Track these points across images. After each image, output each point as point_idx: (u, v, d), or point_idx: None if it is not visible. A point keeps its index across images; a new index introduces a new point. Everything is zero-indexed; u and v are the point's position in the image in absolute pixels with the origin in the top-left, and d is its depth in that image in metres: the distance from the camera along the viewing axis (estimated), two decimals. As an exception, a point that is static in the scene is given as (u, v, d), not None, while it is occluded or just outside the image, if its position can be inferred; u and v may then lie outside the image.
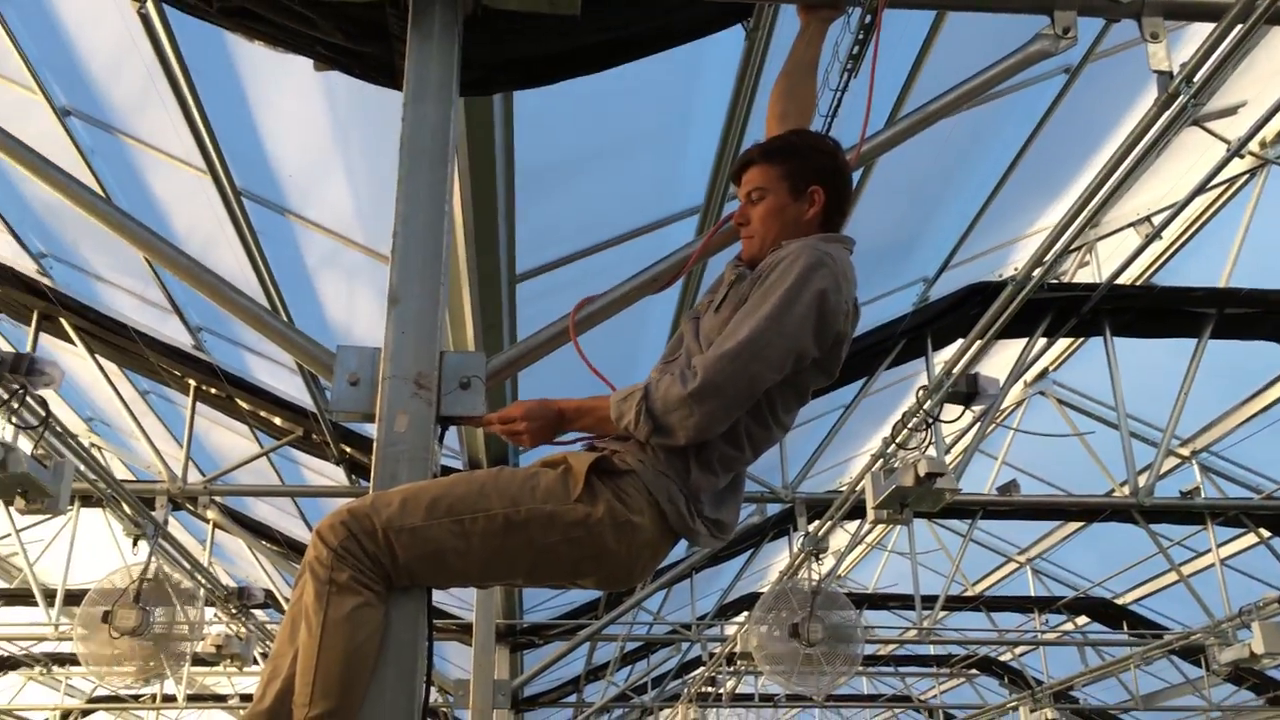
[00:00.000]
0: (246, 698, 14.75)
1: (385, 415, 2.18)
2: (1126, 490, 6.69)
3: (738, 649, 7.63)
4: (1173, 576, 10.04)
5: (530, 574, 2.05)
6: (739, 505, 2.16)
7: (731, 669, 11.62)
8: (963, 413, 4.90)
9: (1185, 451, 8.55)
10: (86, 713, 15.54)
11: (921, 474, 4.32)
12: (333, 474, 6.99)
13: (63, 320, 5.58)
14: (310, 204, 4.85)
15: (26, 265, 5.67)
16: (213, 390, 5.89)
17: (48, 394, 4.43)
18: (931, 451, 4.71)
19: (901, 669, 14.81)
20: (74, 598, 8.28)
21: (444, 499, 1.93)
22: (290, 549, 7.74)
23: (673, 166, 4.71)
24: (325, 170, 4.74)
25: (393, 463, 2.14)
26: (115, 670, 5.47)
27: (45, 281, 5.65)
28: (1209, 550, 9.14)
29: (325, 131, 4.40)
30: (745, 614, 11.26)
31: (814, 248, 2.03)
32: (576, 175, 4.67)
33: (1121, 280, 5.80)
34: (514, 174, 3.83)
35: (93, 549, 9.66)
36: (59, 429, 4.45)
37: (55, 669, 13.57)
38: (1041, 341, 6.01)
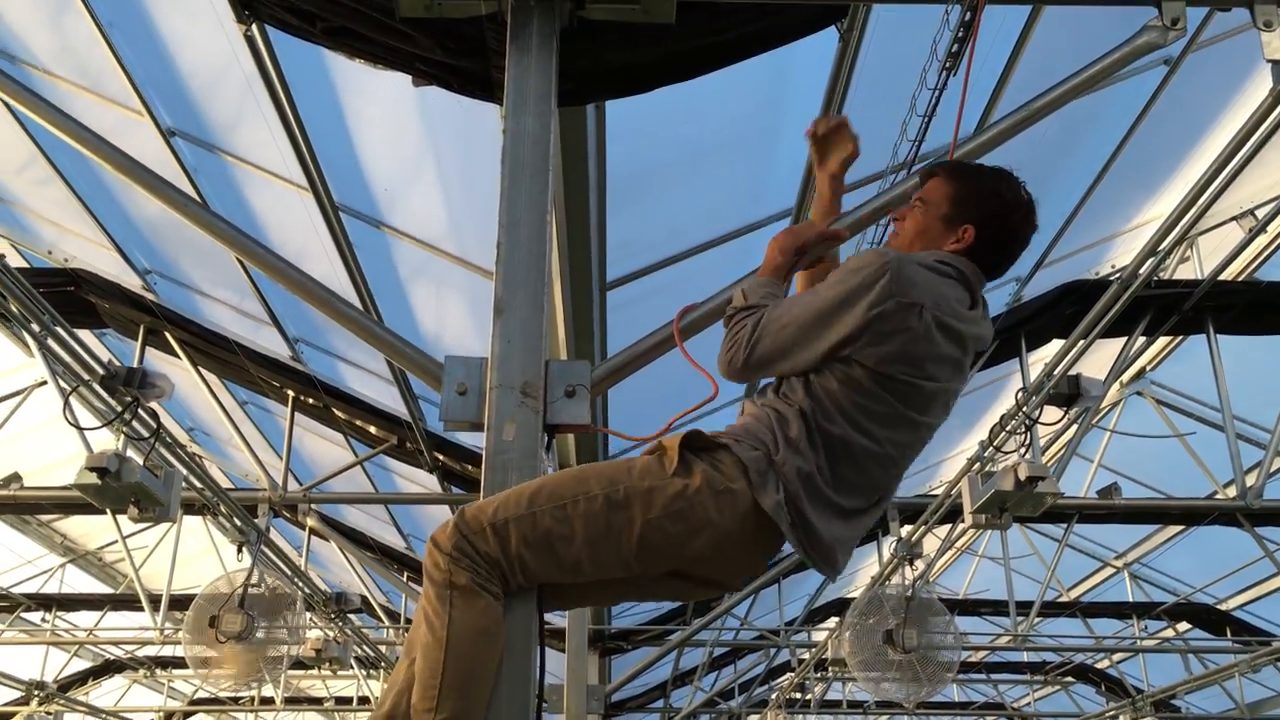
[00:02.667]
0: (342, 700, 15.06)
1: (493, 424, 2.21)
2: (1232, 492, 6.47)
3: (828, 655, 7.56)
4: (1278, 583, 9.70)
5: (639, 557, 1.98)
6: (851, 540, 2.10)
7: (820, 675, 11.52)
8: (1063, 416, 4.78)
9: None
10: (188, 714, 16.02)
11: (1022, 478, 4.23)
12: (425, 482, 7.10)
13: (167, 334, 5.76)
14: (399, 214, 4.94)
15: (132, 281, 5.88)
16: (310, 400, 6.03)
17: (156, 406, 4.57)
18: (1030, 455, 4.60)
19: (994, 676, 14.53)
20: (178, 602, 8.56)
21: (544, 488, 1.97)
22: (384, 555, 7.89)
23: (763, 170, 4.69)
24: (416, 181, 4.83)
25: (501, 470, 2.17)
26: (219, 673, 5.62)
27: (150, 297, 5.85)
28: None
29: (416, 142, 4.48)
30: (833, 619, 11.17)
31: (897, 256, 2.02)
32: (664, 181, 4.68)
33: (1224, 276, 5.62)
34: (605, 181, 3.85)
35: (194, 554, 9.97)
36: (169, 440, 4.60)
37: (159, 671, 14.02)
38: (1140, 340, 5.85)
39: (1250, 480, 6.30)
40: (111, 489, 4.13)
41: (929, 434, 2.15)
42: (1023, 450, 4.61)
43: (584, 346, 4.42)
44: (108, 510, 7.89)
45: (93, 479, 4.06)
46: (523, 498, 1.95)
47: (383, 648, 9.61)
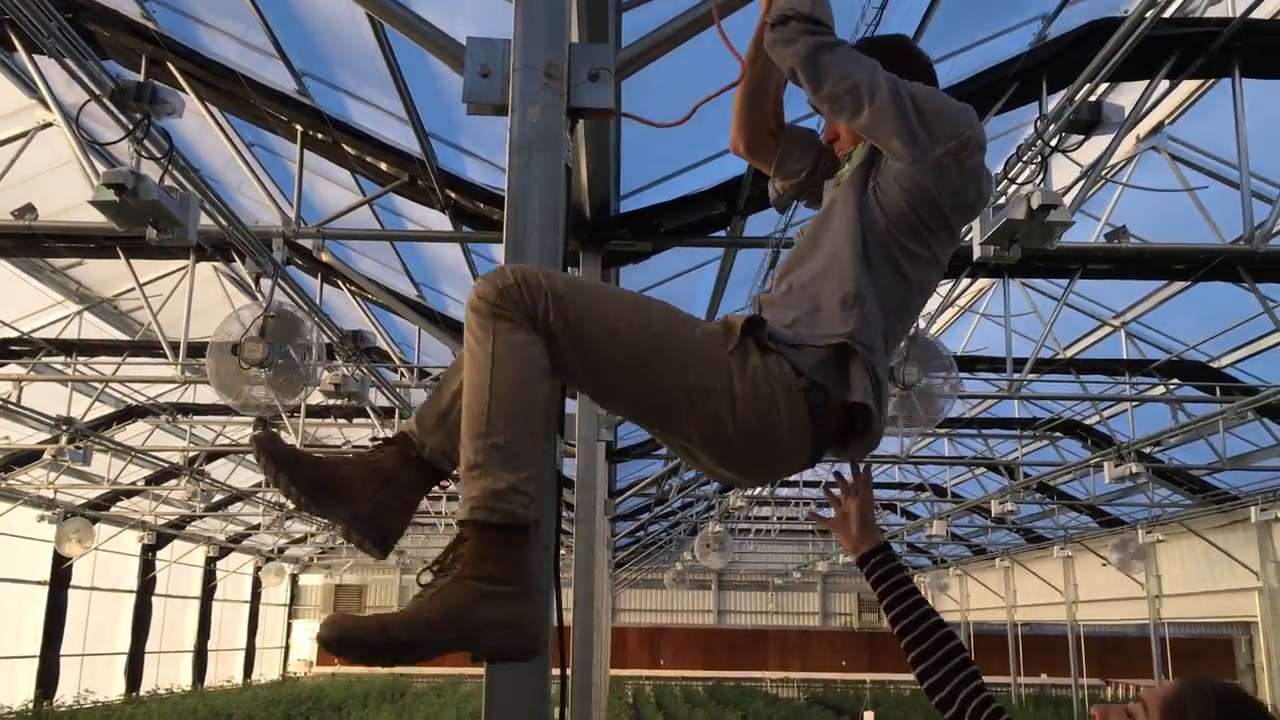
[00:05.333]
0: (358, 448, 15.71)
1: (517, 106, 2.21)
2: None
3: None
4: (1273, 339, 9.91)
5: (669, 412, 1.88)
6: (884, 403, 2.03)
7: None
8: (1081, 142, 4.72)
9: (1303, 209, 8.23)
10: (211, 457, 16.75)
11: (1034, 205, 4.24)
12: (437, 226, 7.13)
13: (170, 65, 5.64)
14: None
15: (131, 9, 5.71)
16: (319, 135, 5.97)
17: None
18: (1044, 185, 4.58)
19: (985, 431, 15.07)
20: (195, 349, 8.80)
21: (610, 290, 1.91)
22: (398, 300, 8.01)
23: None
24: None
25: (525, 151, 2.19)
26: (244, 399, 5.84)
27: (151, 25, 5.69)
28: (1316, 311, 8.95)
29: None
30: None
31: None
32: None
33: (1257, 15, 5.44)
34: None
35: (209, 305, 10.15)
36: (181, 162, 4.59)
37: (179, 418, 14.56)
38: (1162, 86, 5.72)
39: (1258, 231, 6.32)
40: (129, 207, 4.16)
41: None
42: (1038, 180, 4.59)
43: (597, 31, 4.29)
44: (123, 256, 8.06)
45: (110, 196, 4.09)
46: (583, 285, 1.84)
47: (400, 391, 9.94)
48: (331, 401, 12.70)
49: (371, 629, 1.56)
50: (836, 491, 2.20)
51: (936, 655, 1.84)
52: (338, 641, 1.54)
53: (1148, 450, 14.12)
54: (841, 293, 1.96)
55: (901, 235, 2.03)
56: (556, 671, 1.89)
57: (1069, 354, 11.92)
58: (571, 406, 6.35)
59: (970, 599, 30.20)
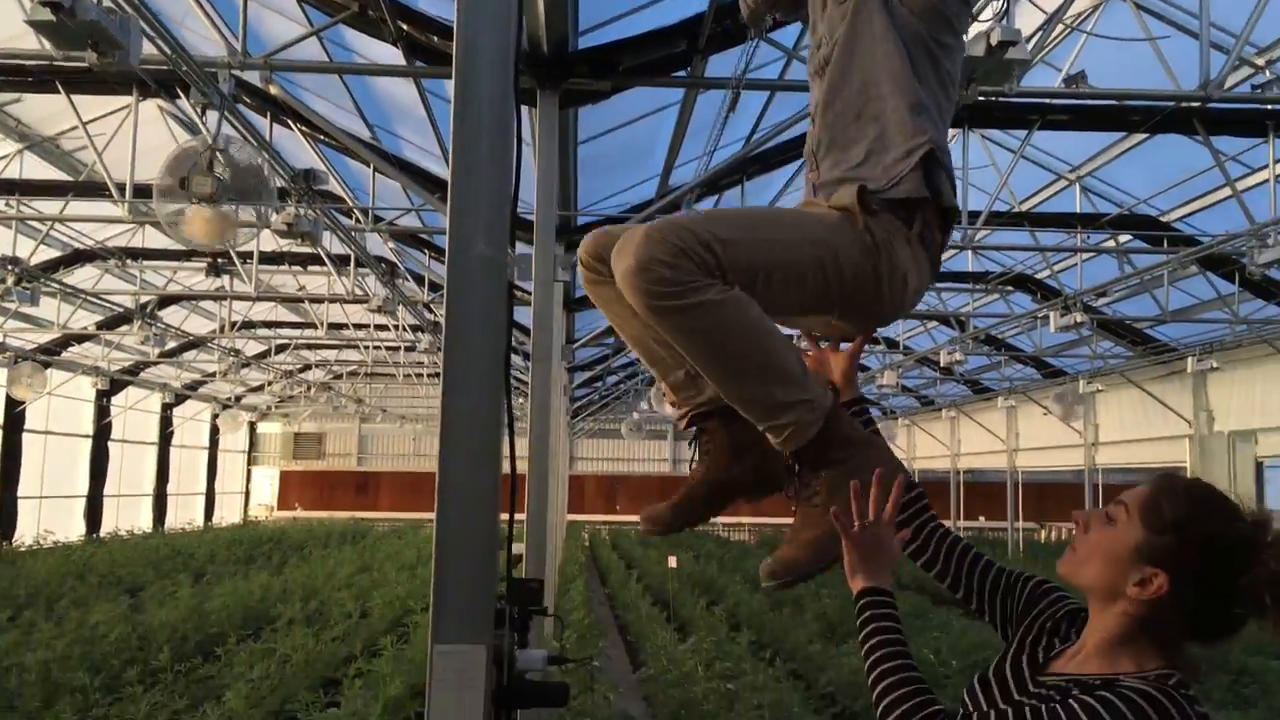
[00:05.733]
0: (316, 299, 15.57)
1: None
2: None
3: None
4: (1224, 193, 10.04)
5: (833, 271, 1.91)
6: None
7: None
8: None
9: (1260, 61, 8.24)
10: (164, 303, 16.57)
11: (993, 42, 4.20)
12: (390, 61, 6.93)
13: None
14: None
15: None
16: (264, -39, 5.73)
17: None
18: (1006, 22, 4.52)
19: (938, 285, 15.25)
20: (142, 192, 8.59)
21: (749, 215, 1.98)
22: (350, 139, 7.85)
23: None
24: None
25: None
26: (191, 234, 5.76)
27: None
28: (1265, 166, 9.07)
29: None
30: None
31: None
32: None
33: None
34: None
35: (154, 147, 9.87)
36: (121, -16, 4.40)
37: (129, 262, 14.32)
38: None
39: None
40: (67, 28, 4.01)
41: None
42: (999, 15, 4.54)
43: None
44: (63, 90, 7.78)
45: (46, 15, 3.93)
46: (730, 220, 1.85)
47: (356, 235, 9.83)
48: (285, 247, 12.59)
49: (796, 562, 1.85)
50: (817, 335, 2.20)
51: (915, 526, 1.91)
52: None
53: (1094, 304, 14.43)
54: (907, 102, 1.92)
55: (935, 30, 1.98)
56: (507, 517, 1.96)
57: (1024, 208, 12.02)
58: (527, 249, 6.34)
59: (917, 448, 31.15)
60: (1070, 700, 1.40)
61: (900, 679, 1.59)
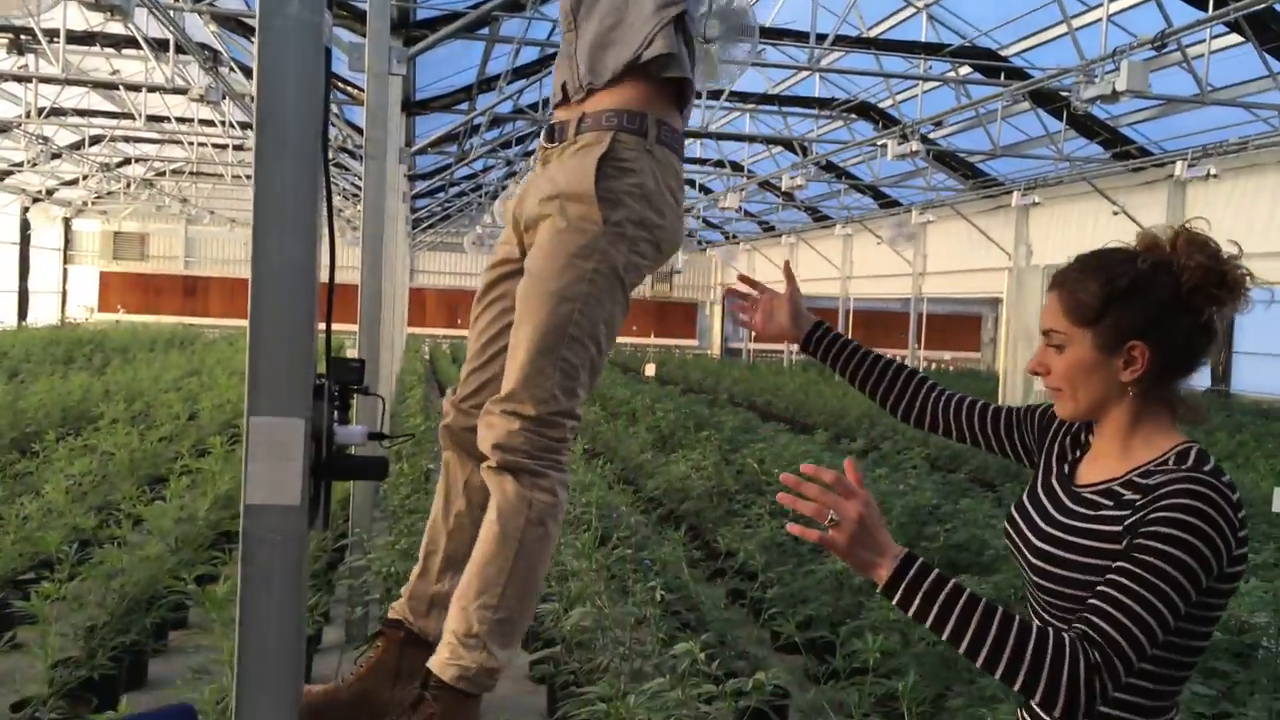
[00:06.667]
0: (132, 87, 14.45)
1: None
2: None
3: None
4: (1061, 29, 10.32)
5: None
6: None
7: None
8: None
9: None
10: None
11: None
12: None
13: None
14: None
15: None
16: None
17: None
18: None
19: (785, 109, 15.34)
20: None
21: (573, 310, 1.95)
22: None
23: None
24: None
25: None
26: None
27: None
28: (1100, 4, 9.33)
29: None
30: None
31: None
32: None
33: None
34: None
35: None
36: None
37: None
38: None
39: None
40: None
41: None
42: None
43: None
44: None
45: None
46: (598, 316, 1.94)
47: (174, 14, 9.09)
48: (96, 27, 11.55)
49: None
50: (751, 291, 2.09)
51: (905, 389, 1.90)
52: None
53: (931, 134, 14.81)
54: None
55: None
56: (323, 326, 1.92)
57: (873, 34, 12.07)
58: (360, 39, 6.01)
59: (757, 273, 31.94)
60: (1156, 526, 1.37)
61: (1016, 641, 1.32)
